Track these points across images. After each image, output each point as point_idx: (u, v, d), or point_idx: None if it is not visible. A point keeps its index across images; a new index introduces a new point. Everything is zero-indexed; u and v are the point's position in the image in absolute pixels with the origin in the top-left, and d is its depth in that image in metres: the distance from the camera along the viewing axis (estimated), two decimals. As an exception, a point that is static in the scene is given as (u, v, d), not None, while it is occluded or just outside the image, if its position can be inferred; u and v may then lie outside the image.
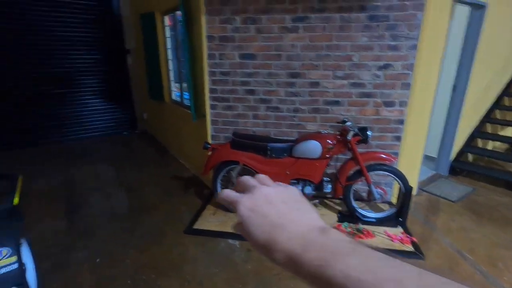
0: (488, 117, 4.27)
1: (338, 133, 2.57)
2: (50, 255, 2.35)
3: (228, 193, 0.38)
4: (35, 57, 4.87)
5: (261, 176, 0.41)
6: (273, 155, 2.60)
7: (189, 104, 3.88)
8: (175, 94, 4.45)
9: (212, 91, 3.09)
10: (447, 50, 3.01)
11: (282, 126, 3.06)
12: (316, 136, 2.54)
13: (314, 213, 0.35)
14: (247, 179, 0.40)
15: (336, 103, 2.88)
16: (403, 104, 2.79)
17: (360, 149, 2.55)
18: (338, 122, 2.70)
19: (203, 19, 2.86)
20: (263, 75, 2.93)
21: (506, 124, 4.44)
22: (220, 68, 2.99)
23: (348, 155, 2.64)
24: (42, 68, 4.94)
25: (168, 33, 4.25)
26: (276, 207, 0.34)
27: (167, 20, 4.16)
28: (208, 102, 3.13)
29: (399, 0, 2.52)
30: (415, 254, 2.34)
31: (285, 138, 2.96)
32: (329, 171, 2.94)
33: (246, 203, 0.35)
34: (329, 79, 2.83)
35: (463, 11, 3.35)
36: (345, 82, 2.81)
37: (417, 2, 2.50)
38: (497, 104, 4.32)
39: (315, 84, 2.87)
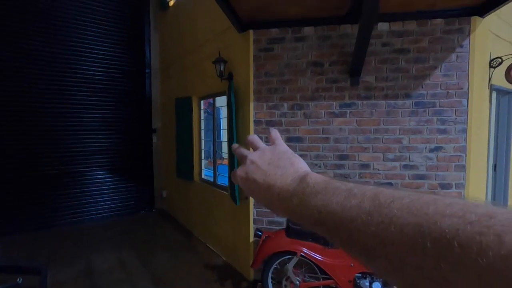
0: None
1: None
2: None
3: (237, 151, 0.45)
4: (64, 137, 4.97)
5: (250, 138, 0.46)
6: (334, 245, 2.35)
7: (222, 185, 3.78)
8: (205, 174, 4.39)
9: (256, 172, 3.02)
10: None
11: (331, 210, 2.89)
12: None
13: (296, 164, 0.39)
14: (242, 152, 0.44)
15: (389, 185, 2.78)
16: (460, 186, 2.70)
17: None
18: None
19: (251, 105, 2.99)
20: (311, 157, 2.91)
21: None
22: (266, 150, 2.99)
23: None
24: (63, 148, 4.99)
25: (202, 115, 4.43)
26: (263, 171, 0.39)
27: (202, 104, 4.39)
28: (252, 184, 3.02)
29: (443, 89, 2.68)
30: None
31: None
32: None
33: (240, 174, 0.42)
34: (379, 161, 2.80)
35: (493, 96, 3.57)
36: (396, 164, 2.77)
37: (461, 91, 2.65)
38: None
39: (365, 166, 2.82)
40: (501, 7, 2.49)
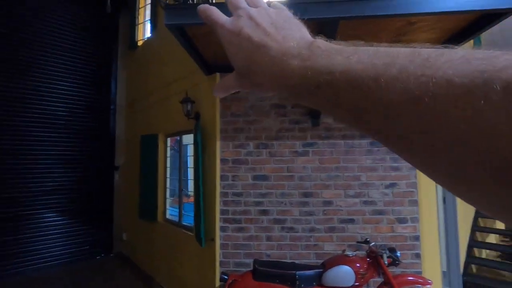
0: (475, 226, 4.50)
1: (365, 255, 2.47)
2: None
3: (212, 11, 0.34)
4: (11, 176, 4.55)
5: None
6: (302, 285, 2.33)
7: (188, 225, 3.65)
8: (170, 214, 4.21)
9: (223, 212, 2.98)
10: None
11: (298, 248, 2.89)
12: (345, 260, 2.40)
13: (304, 30, 0.31)
14: (236, 0, 0.35)
15: (351, 221, 2.89)
16: (414, 220, 2.88)
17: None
18: (358, 242, 2.63)
19: (218, 144, 3.03)
20: (276, 195, 2.96)
21: (488, 231, 4.68)
22: (232, 189, 2.99)
23: (377, 279, 2.47)
24: (8, 189, 4.54)
25: (168, 152, 4.37)
26: (262, 30, 0.31)
27: (169, 141, 4.35)
28: (218, 224, 2.96)
29: (392, 130, 2.95)
30: None
31: (306, 262, 2.76)
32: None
33: (230, 27, 0.32)
34: (341, 197, 2.92)
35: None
36: (357, 200, 2.91)
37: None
38: (478, 212, 4.65)
39: (328, 203, 2.92)
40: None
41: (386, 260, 2.28)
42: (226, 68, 3.07)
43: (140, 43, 5.42)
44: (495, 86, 0.15)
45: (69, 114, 5.12)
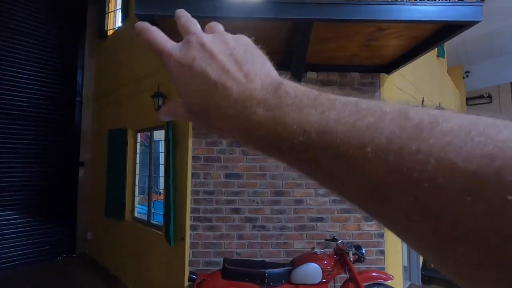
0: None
1: (333, 252, 2.54)
2: None
3: (154, 34, 0.28)
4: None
5: (212, 24, 0.31)
6: (271, 283, 2.35)
7: (157, 223, 3.55)
8: (138, 211, 4.06)
9: (193, 210, 2.92)
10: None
11: (269, 246, 2.91)
12: (313, 257, 2.45)
13: (268, 65, 0.27)
14: (188, 22, 0.30)
15: (321, 219, 2.96)
16: (379, 218, 3.00)
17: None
18: (326, 240, 2.70)
19: (190, 141, 2.97)
20: (248, 193, 2.96)
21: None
22: (204, 187, 2.94)
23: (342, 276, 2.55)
24: None
25: (138, 148, 4.20)
26: (219, 63, 0.25)
27: (139, 137, 4.19)
28: (188, 223, 2.90)
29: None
30: None
31: (276, 260, 2.78)
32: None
33: (182, 56, 0.27)
34: (311, 196, 2.98)
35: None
36: (326, 199, 2.99)
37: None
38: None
39: (300, 201, 2.97)
40: (401, 68, 3.05)
41: (351, 257, 2.36)
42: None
43: (110, 32, 5.16)
44: (510, 182, 0.13)
45: (29, 105, 4.75)
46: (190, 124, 2.98)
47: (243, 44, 0.27)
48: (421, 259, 4.11)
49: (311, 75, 3.06)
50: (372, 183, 0.17)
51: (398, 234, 0.18)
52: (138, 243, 3.76)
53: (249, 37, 0.29)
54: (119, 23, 4.94)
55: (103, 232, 4.69)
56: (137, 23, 0.29)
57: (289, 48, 2.58)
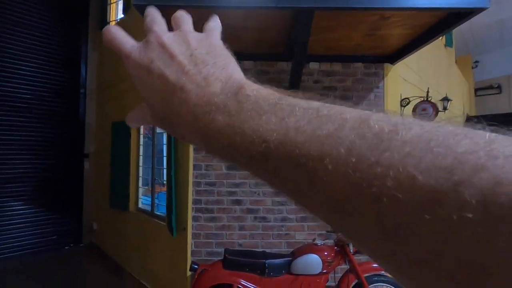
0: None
1: (333, 244, 2.54)
2: None
3: (116, 34, 0.27)
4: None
5: (178, 16, 0.29)
6: (271, 274, 2.37)
7: (161, 214, 3.59)
8: (142, 203, 4.11)
9: (195, 202, 2.94)
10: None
11: (270, 237, 2.93)
12: (313, 248, 2.46)
13: (231, 67, 0.25)
14: (151, 22, 0.28)
15: (322, 211, 2.96)
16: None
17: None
18: (327, 231, 2.70)
19: (191, 133, 2.97)
20: (250, 185, 2.96)
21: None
22: (205, 179, 2.96)
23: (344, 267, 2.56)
24: None
25: (141, 140, 4.23)
26: (179, 64, 0.24)
27: (142, 129, 4.21)
28: (190, 214, 2.93)
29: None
30: None
31: (277, 251, 2.80)
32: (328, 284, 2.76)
33: (136, 56, 0.26)
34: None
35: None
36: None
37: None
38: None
39: (301, 193, 2.97)
40: (406, 57, 2.99)
41: (351, 249, 2.36)
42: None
43: (112, 23, 5.13)
44: (469, 199, 0.12)
45: (33, 97, 4.80)
46: (192, 116, 2.98)
47: (207, 44, 0.26)
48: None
49: (313, 65, 3.01)
50: (333, 196, 0.16)
51: (364, 251, 0.17)
52: (142, 234, 3.82)
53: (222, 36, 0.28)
54: (121, 15, 4.91)
55: (108, 223, 4.77)
56: (104, 28, 0.28)
57: (290, 38, 2.54)
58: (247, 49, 2.88)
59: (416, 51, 2.83)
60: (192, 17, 0.31)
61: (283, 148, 0.18)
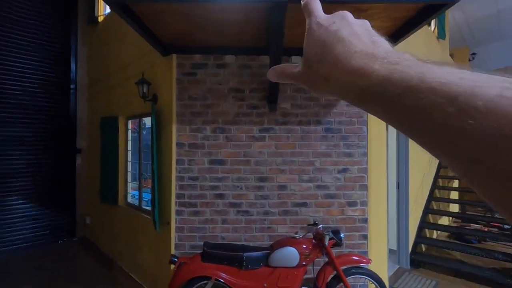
0: (427, 209, 4.79)
1: (312, 237, 2.57)
2: None
3: (315, 2, 0.34)
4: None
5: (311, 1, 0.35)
6: (249, 266, 2.41)
7: (148, 208, 3.63)
8: (131, 197, 4.15)
9: (178, 196, 2.97)
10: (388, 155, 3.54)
11: (252, 231, 2.96)
12: (291, 241, 2.49)
13: (391, 46, 0.29)
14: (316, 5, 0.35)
15: (304, 204, 2.98)
16: (363, 203, 3.01)
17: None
18: (309, 224, 2.72)
19: (174, 128, 2.98)
20: (232, 179, 2.98)
21: (440, 214, 5.01)
22: (188, 173, 2.98)
23: (322, 259, 2.59)
24: None
25: (129, 136, 4.25)
26: (353, 31, 0.30)
27: (130, 124, 4.22)
28: (173, 208, 2.96)
29: (347, 117, 3.02)
30: None
31: (259, 245, 2.84)
32: (307, 276, 2.79)
33: (321, 18, 0.32)
34: (295, 182, 2.99)
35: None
36: (310, 184, 2.99)
37: (361, 119, 3.02)
38: (431, 196, 4.95)
39: (283, 187, 2.99)
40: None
41: (327, 242, 2.39)
42: (183, 49, 2.97)
43: (101, 18, 5.11)
44: None
45: (24, 93, 4.81)
46: (175, 111, 2.99)
47: (368, 24, 0.31)
48: (410, 243, 4.13)
49: (296, 59, 3.00)
50: (494, 134, 0.17)
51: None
52: (131, 228, 3.87)
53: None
54: (108, 9, 4.89)
55: (100, 217, 4.83)
56: None
57: (266, 31, 2.52)
58: (228, 43, 2.87)
59: (398, 44, 2.81)
60: None
61: (448, 89, 0.20)
